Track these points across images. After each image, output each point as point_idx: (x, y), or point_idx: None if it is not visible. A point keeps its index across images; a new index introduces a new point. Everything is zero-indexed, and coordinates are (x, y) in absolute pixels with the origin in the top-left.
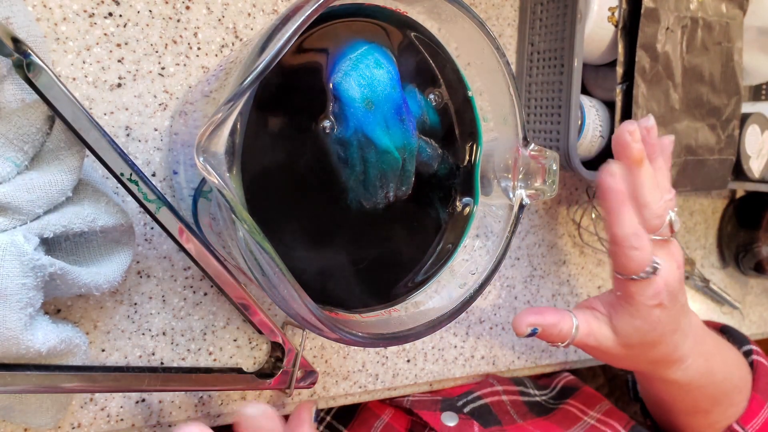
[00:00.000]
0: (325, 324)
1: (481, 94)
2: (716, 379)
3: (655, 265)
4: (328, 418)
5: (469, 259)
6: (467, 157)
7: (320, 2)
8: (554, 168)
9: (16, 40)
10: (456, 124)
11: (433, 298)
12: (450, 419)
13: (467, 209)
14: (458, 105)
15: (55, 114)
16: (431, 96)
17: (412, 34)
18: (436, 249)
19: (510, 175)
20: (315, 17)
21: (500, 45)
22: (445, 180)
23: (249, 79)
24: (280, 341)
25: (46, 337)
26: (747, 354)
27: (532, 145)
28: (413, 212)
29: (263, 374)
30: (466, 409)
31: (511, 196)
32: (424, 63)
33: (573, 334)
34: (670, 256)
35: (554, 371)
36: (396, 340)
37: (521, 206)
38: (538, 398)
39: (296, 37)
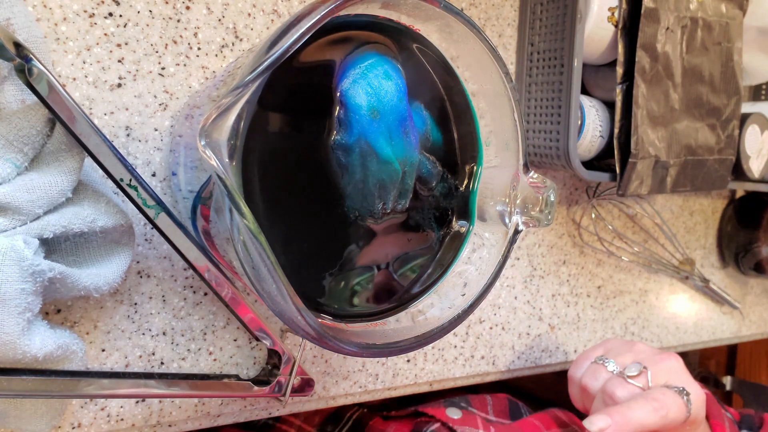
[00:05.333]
0: (308, 322)
1: (485, 117)
2: None
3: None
4: None
5: (459, 281)
6: (466, 180)
7: (337, 3)
8: (552, 199)
9: (17, 45)
10: (458, 145)
11: (421, 315)
12: (454, 413)
13: (462, 231)
14: (462, 126)
15: (55, 118)
16: (435, 114)
17: (423, 51)
18: (428, 268)
19: (507, 200)
20: (329, 18)
21: (508, 70)
22: (442, 199)
23: (260, 68)
24: (277, 349)
25: (43, 343)
26: None
27: (532, 172)
28: (408, 228)
29: (260, 381)
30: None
31: (507, 221)
32: (431, 81)
33: None
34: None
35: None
36: (378, 352)
37: (516, 232)
38: None
39: (309, 34)
